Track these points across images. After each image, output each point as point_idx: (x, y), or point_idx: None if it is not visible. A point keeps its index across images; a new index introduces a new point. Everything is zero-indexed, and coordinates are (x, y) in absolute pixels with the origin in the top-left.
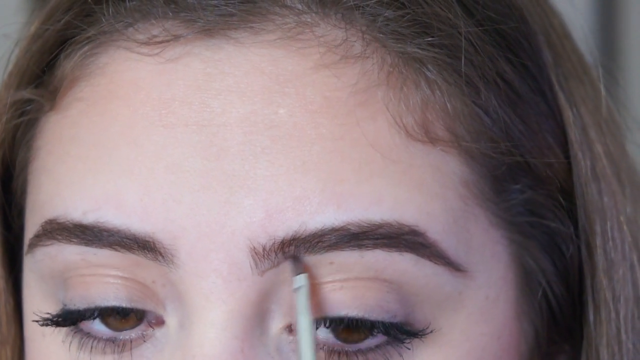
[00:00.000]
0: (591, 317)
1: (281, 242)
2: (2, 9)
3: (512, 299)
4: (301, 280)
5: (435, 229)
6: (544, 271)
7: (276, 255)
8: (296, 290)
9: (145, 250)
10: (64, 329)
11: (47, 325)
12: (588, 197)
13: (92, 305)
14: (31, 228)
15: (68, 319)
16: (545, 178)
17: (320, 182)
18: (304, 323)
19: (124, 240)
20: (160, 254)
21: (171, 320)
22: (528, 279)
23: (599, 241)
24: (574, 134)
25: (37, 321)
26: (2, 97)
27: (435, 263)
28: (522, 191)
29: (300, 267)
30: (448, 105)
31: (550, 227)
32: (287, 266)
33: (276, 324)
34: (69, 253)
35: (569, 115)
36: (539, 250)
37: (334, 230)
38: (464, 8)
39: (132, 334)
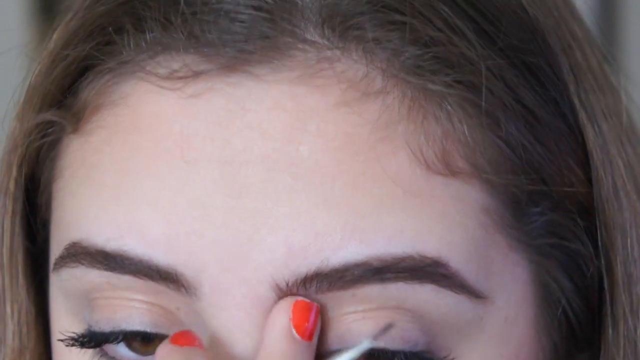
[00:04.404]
0: (610, 332)
1: (304, 278)
2: (3, 11)
3: (531, 318)
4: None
5: (457, 259)
6: (564, 289)
7: (298, 290)
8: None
9: (168, 281)
10: (90, 350)
11: (72, 345)
12: (609, 212)
13: (117, 329)
14: (56, 246)
15: (93, 340)
16: (566, 199)
17: (342, 218)
18: None
19: (147, 269)
20: (184, 286)
21: None
22: (547, 297)
23: (619, 257)
24: (595, 152)
25: (62, 340)
26: (24, 115)
27: (456, 292)
28: (542, 214)
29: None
30: (468, 138)
31: (570, 247)
32: (309, 299)
33: None
34: (94, 276)
35: (590, 132)
36: (559, 270)
37: (356, 265)
38: (485, 36)
39: None
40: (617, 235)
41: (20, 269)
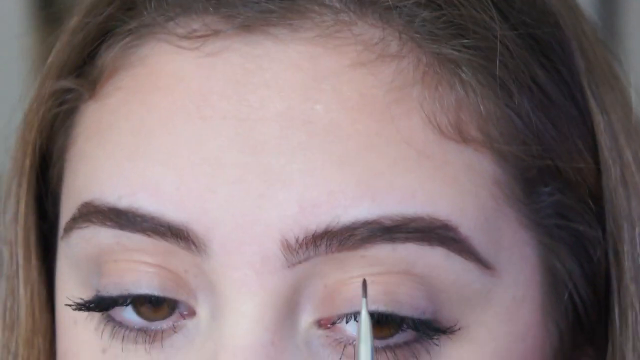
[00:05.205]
0: (617, 322)
1: (313, 235)
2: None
3: (538, 301)
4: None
5: (467, 225)
6: (571, 274)
7: (307, 248)
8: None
9: (179, 239)
10: (96, 317)
11: (80, 310)
12: (617, 202)
13: (125, 292)
14: (67, 212)
15: (101, 304)
16: (575, 182)
17: (355, 177)
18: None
19: (158, 227)
20: (194, 243)
21: (202, 310)
22: (555, 281)
23: (627, 247)
24: (604, 140)
25: (70, 305)
26: (40, 88)
27: (466, 259)
28: (551, 194)
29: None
30: (481, 107)
31: (578, 230)
32: (319, 260)
33: (306, 318)
34: (104, 236)
35: (599, 121)
36: (567, 253)
37: (366, 223)
38: (499, 12)
39: (164, 324)
40: (624, 223)
41: (33, 249)
